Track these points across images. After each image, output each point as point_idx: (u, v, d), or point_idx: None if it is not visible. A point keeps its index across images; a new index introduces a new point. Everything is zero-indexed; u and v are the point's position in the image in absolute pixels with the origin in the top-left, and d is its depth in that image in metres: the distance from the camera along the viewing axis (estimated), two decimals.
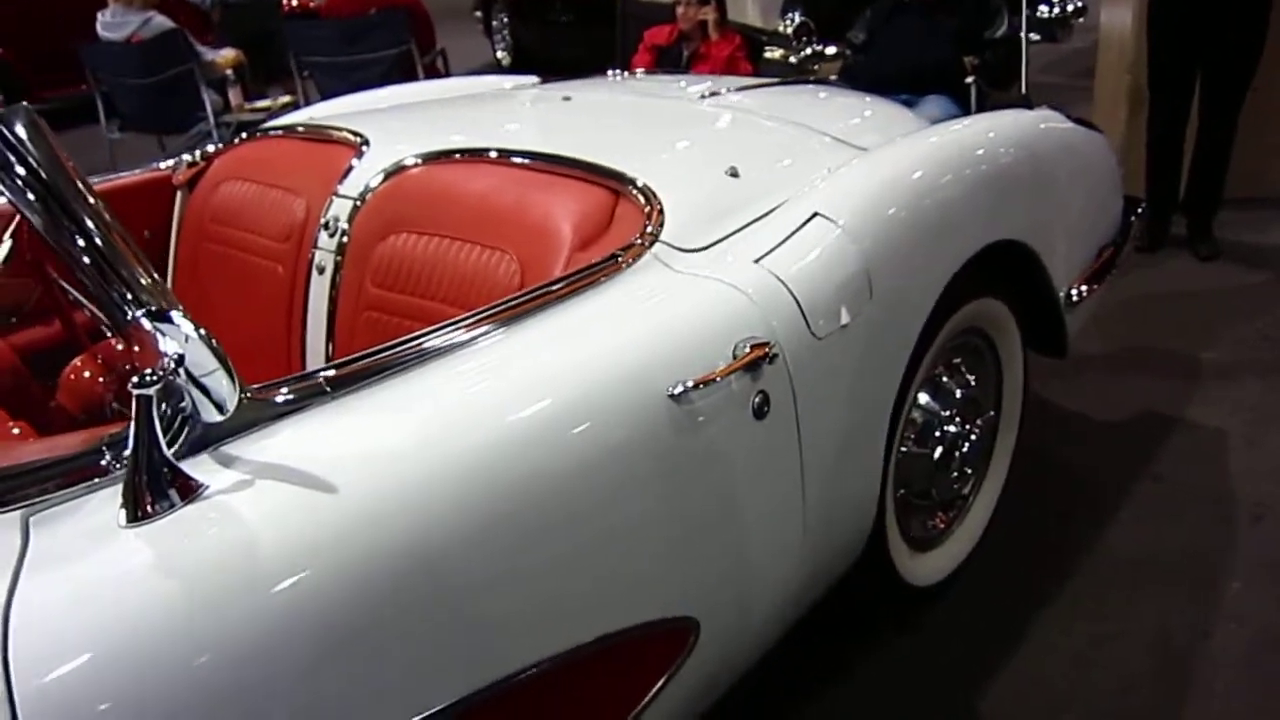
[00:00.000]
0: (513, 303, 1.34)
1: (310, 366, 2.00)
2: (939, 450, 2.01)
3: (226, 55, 5.48)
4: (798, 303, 1.49)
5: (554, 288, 1.40)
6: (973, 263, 1.85)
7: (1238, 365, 3.06)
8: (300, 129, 2.30)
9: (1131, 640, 2.04)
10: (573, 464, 1.23)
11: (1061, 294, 2.21)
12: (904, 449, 1.94)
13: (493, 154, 1.85)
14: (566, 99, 2.29)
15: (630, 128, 2.05)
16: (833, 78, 4.19)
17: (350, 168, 1.99)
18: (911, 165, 1.82)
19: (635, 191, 1.65)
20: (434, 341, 1.27)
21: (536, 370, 1.27)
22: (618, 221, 1.65)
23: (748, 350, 1.39)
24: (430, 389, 1.22)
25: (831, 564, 1.74)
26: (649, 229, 1.55)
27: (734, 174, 1.74)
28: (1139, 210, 2.62)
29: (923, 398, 1.99)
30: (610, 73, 3.52)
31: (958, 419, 2.03)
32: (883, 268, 1.63)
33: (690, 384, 1.31)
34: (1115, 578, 2.21)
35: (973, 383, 2.09)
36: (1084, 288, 2.26)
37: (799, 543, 1.57)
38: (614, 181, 1.70)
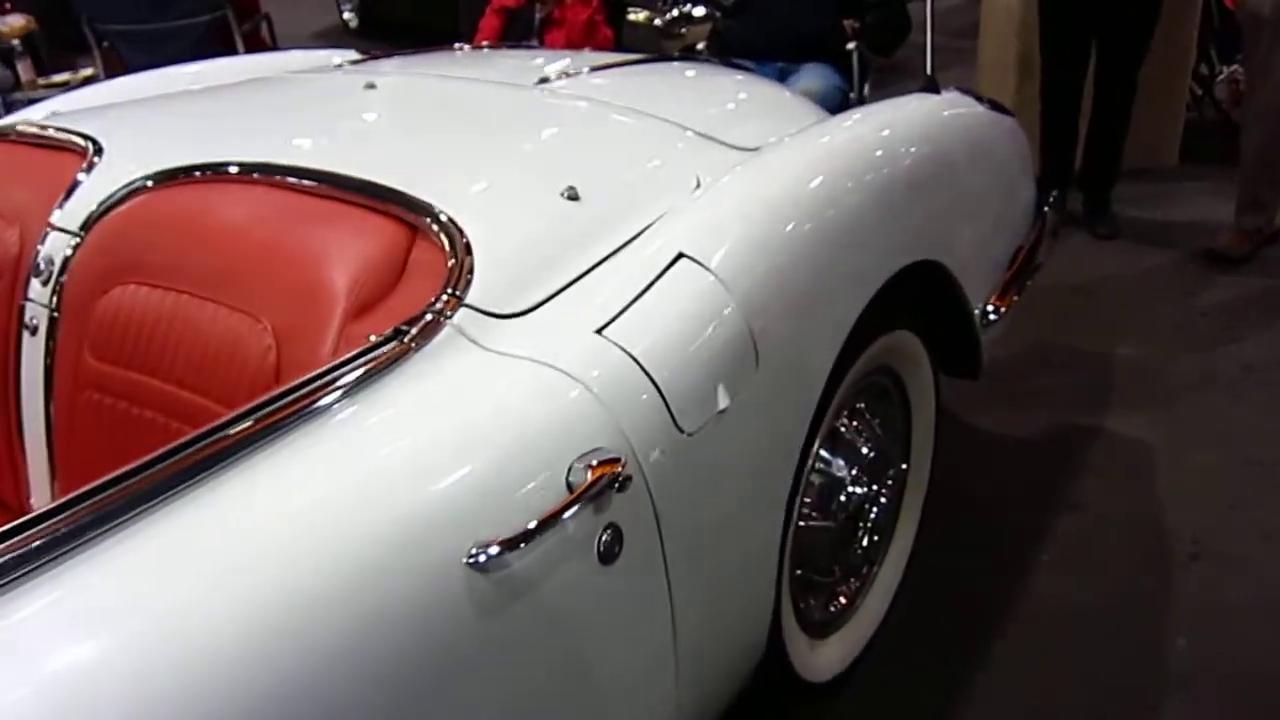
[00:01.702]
0: (220, 434, 0.89)
1: (30, 460, 1.51)
2: (842, 517, 1.64)
3: (13, 23, 4.76)
4: (659, 390, 1.08)
5: (296, 396, 0.96)
6: (883, 293, 1.48)
7: (1152, 361, 2.80)
8: (17, 131, 1.76)
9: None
10: (324, 678, 0.80)
11: (976, 311, 1.86)
12: (802, 522, 1.57)
13: (234, 170, 1.38)
14: (370, 87, 1.81)
15: (443, 129, 1.59)
16: (700, 45, 3.78)
17: (75, 187, 1.49)
18: (803, 177, 1.42)
19: (437, 229, 1.21)
20: (116, 495, 0.83)
21: (257, 546, 0.83)
22: (412, 273, 1.21)
23: (587, 476, 0.97)
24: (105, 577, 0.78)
25: (718, 695, 1.36)
26: (451, 287, 1.12)
27: (572, 196, 1.31)
28: (1052, 199, 2.29)
29: (825, 454, 1.61)
30: (456, 46, 3.05)
31: (864, 480, 1.66)
32: (773, 322, 1.23)
33: (497, 548, 0.89)
34: (1043, 636, 1.90)
35: (879, 431, 1.72)
36: (1000, 304, 1.91)
37: (671, 695, 1.18)
38: (409, 213, 1.25)
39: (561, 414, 1.01)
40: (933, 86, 1.82)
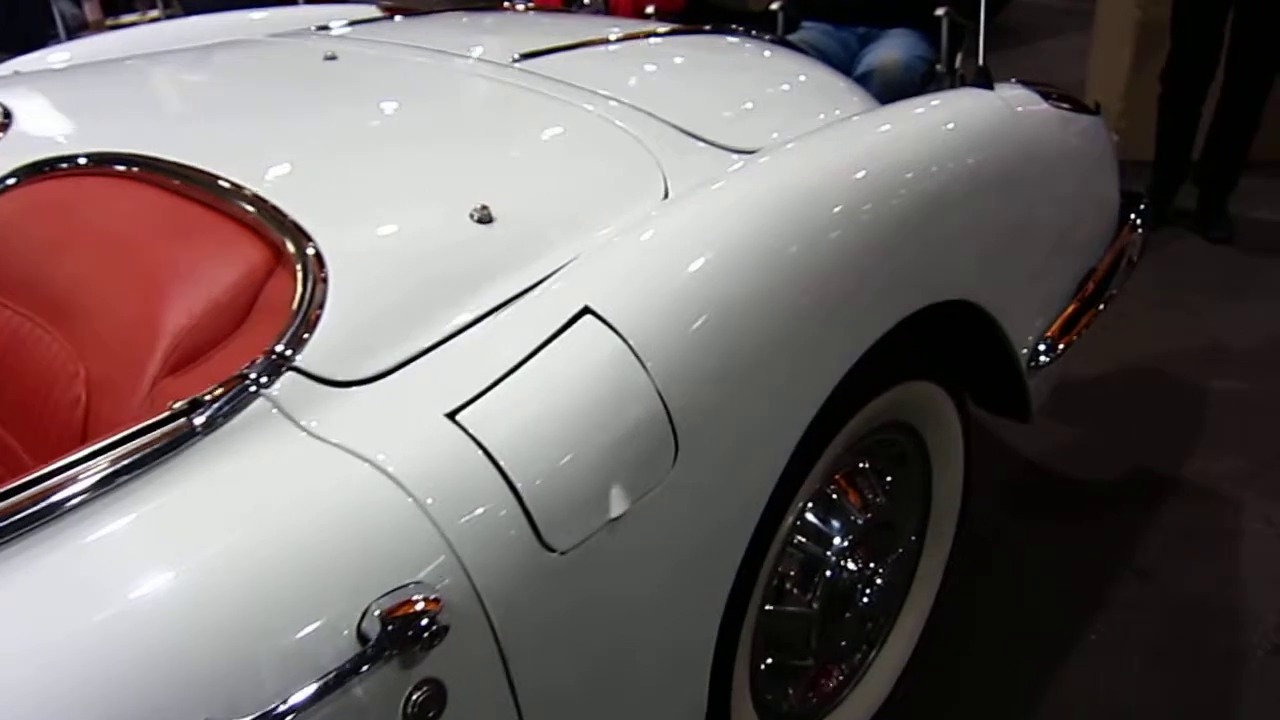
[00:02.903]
0: None
1: None
2: (825, 601, 1.37)
3: None
4: (518, 498, 0.83)
5: (37, 486, 0.75)
6: (889, 340, 1.20)
7: (1256, 399, 2.41)
8: None
9: None
10: None
11: (1025, 352, 1.55)
12: (770, 605, 1.31)
13: (120, 165, 1.17)
14: (330, 58, 1.58)
15: (372, 120, 1.34)
16: (774, 5, 3.44)
17: None
18: (789, 198, 1.13)
19: (297, 258, 0.98)
20: None
21: None
22: (259, 314, 0.98)
23: (383, 625, 0.73)
24: None
25: None
26: (282, 342, 0.89)
27: (483, 218, 1.06)
28: (1141, 207, 1.94)
29: (811, 518, 1.34)
30: (508, 5, 2.82)
31: (857, 557, 1.39)
32: (706, 396, 0.97)
33: None
34: None
35: (885, 499, 1.44)
36: (1057, 343, 1.59)
37: None
38: (275, 234, 1.02)
39: (369, 534, 0.77)
40: (984, 79, 1.49)
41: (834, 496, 1.37)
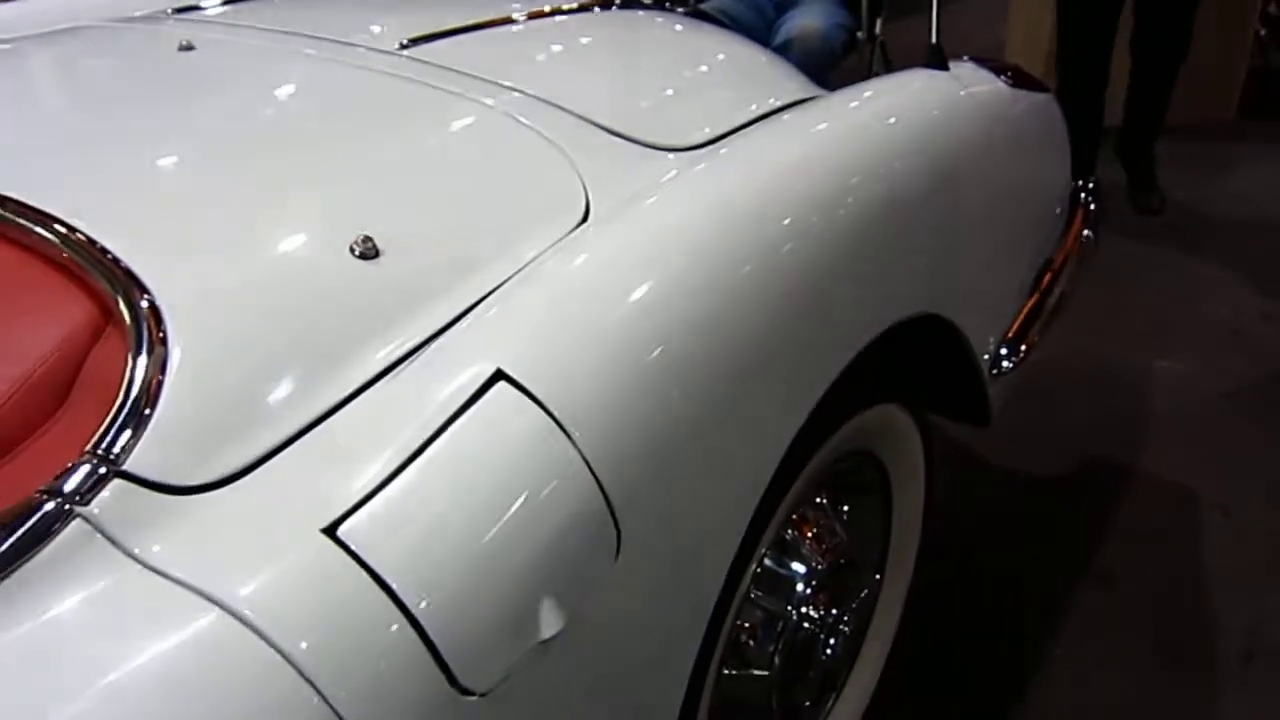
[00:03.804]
0: None
1: None
2: (785, 656, 1.22)
3: None
4: (422, 635, 0.64)
5: None
6: (854, 366, 1.04)
7: (1202, 380, 2.33)
8: None
9: None
10: None
11: (987, 357, 1.41)
12: (729, 670, 1.15)
13: None
14: (186, 49, 1.34)
15: (228, 129, 1.11)
16: None
17: None
18: (740, 214, 0.96)
19: (129, 319, 0.77)
20: None
21: None
22: (82, 393, 0.77)
23: None
24: None
25: None
26: (104, 440, 0.68)
27: (366, 252, 0.87)
28: (1089, 186, 1.81)
29: (769, 562, 1.19)
30: None
31: (819, 604, 1.23)
32: (653, 478, 0.79)
33: None
34: None
35: (843, 533, 1.29)
36: (1020, 346, 1.45)
37: None
38: (108, 288, 0.81)
39: (219, 705, 0.58)
40: (938, 59, 1.33)
41: (789, 541, 1.21)
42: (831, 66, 2.90)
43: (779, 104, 1.32)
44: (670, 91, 1.34)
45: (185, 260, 0.85)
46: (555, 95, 1.20)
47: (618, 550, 0.75)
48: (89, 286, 0.82)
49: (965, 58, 1.43)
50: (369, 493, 0.67)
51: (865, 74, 3.29)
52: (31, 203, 0.89)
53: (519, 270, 0.89)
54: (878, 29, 3.18)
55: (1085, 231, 1.75)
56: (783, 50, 2.92)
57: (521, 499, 0.71)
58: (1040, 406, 2.22)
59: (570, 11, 1.62)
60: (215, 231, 0.89)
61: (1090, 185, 1.81)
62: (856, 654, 1.40)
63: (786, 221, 0.98)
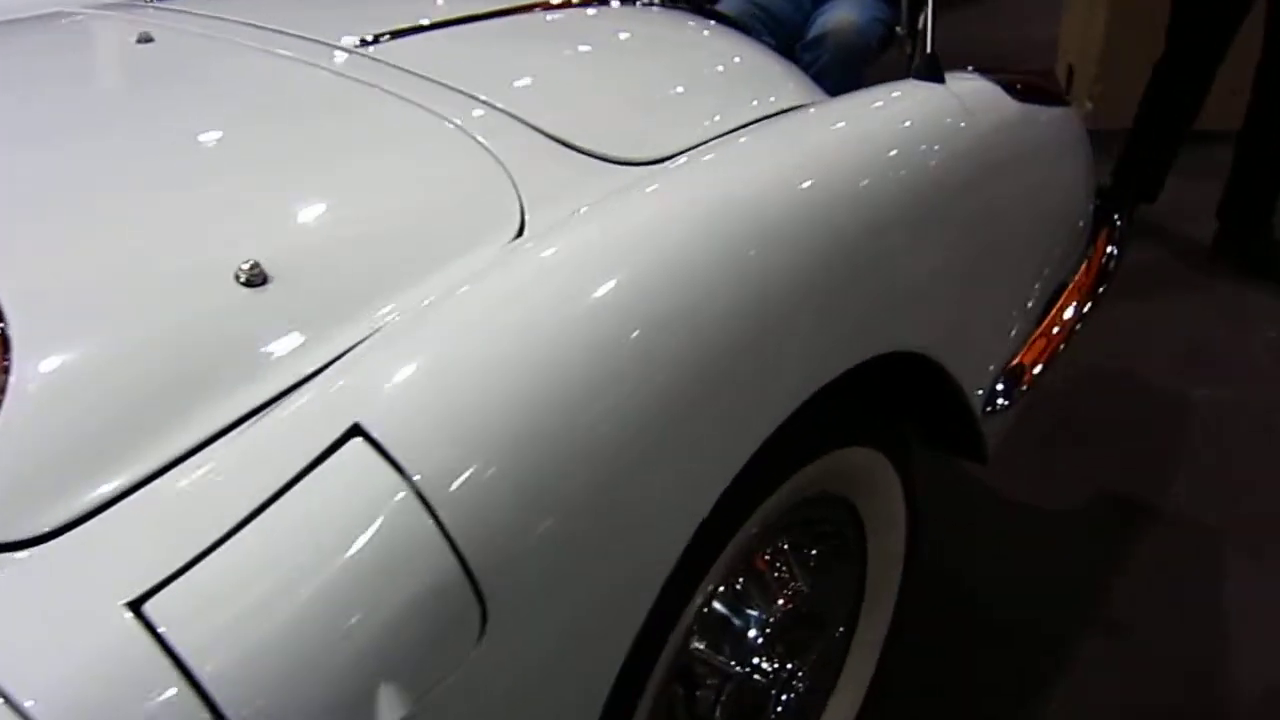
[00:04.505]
0: None
1: None
2: (730, 713, 1.13)
3: None
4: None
5: None
6: (815, 405, 0.95)
7: (1243, 411, 2.18)
8: None
9: None
10: None
11: (981, 393, 1.31)
12: None
13: None
14: (144, 40, 1.29)
15: (154, 135, 1.03)
16: None
17: None
18: (679, 236, 0.87)
19: None
20: None
21: None
22: None
23: None
24: None
25: None
26: None
27: (252, 279, 0.80)
28: (1118, 210, 1.69)
29: (716, 605, 1.10)
30: None
31: (772, 657, 1.15)
32: (537, 537, 0.71)
33: None
34: None
35: (806, 581, 1.19)
36: (1020, 381, 1.34)
37: None
38: None
39: None
40: (933, 70, 1.23)
41: (739, 586, 1.13)
42: (867, 63, 2.77)
43: (761, 114, 1.22)
44: (644, 98, 1.26)
45: (57, 284, 0.79)
46: (512, 103, 1.12)
47: (482, 630, 0.68)
48: None
49: (969, 68, 1.31)
50: (186, 562, 0.61)
51: (904, 71, 3.16)
52: None
53: (421, 304, 0.82)
54: (923, 23, 3.03)
55: (1110, 251, 1.63)
56: (815, 45, 2.80)
57: (362, 573, 0.63)
58: (1058, 437, 2.09)
59: (557, 7, 1.54)
60: (93, 248, 0.83)
61: (1121, 208, 1.69)
62: (820, 710, 1.31)
63: (725, 247, 0.89)
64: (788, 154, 1.03)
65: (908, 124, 1.12)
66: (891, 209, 1.05)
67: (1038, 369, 1.38)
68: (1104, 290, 1.55)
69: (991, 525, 1.91)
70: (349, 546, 0.63)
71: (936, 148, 1.12)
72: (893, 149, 1.09)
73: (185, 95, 1.13)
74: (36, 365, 0.70)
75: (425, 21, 1.35)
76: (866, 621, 1.34)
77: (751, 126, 1.15)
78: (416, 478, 0.66)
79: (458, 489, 0.67)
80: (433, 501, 0.66)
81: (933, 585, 1.57)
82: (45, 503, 0.64)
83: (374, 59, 1.21)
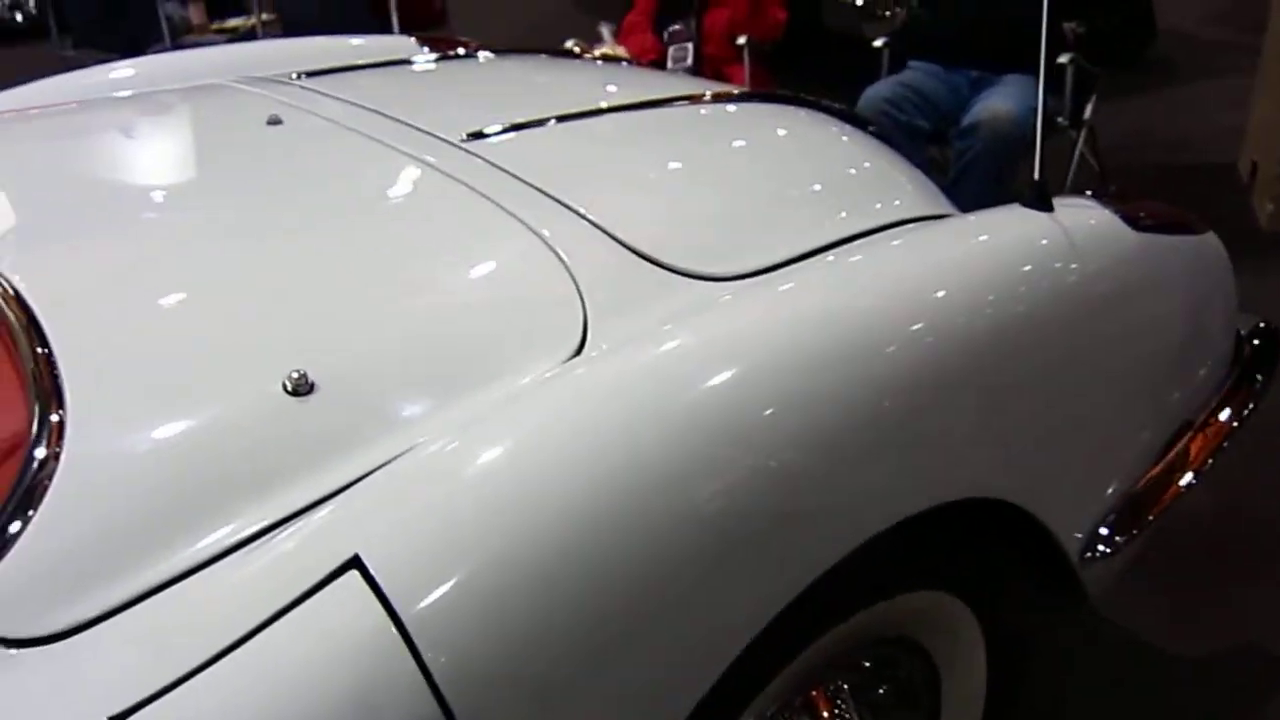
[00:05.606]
0: None
1: None
2: None
3: None
4: None
5: None
6: (873, 548, 0.90)
7: None
8: None
9: None
10: None
11: (1080, 537, 1.22)
12: None
13: None
14: (274, 123, 1.36)
15: (248, 242, 1.07)
16: (878, 43, 3.10)
17: None
18: (730, 370, 0.85)
19: (34, 435, 0.76)
20: None
21: None
22: None
23: None
24: None
25: None
26: None
27: (298, 388, 0.82)
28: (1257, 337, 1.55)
29: None
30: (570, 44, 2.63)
31: None
32: (536, 690, 0.70)
33: None
34: None
35: None
36: (1130, 527, 1.24)
37: None
38: (33, 399, 0.80)
39: None
40: (1041, 197, 1.16)
41: None
42: (1022, 154, 2.68)
43: (859, 228, 1.19)
44: (745, 208, 1.24)
45: (118, 377, 0.83)
46: (599, 211, 1.12)
47: None
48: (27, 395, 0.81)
49: (1088, 192, 1.24)
50: (168, 684, 0.62)
51: (1067, 163, 3.04)
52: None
53: (468, 422, 0.82)
54: (1087, 114, 2.92)
55: (1255, 381, 1.50)
56: (969, 133, 2.73)
57: (341, 712, 0.63)
58: (1208, 569, 1.93)
59: (677, 101, 1.54)
60: (155, 343, 0.87)
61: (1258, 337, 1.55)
62: None
63: (783, 384, 0.86)
64: (862, 285, 0.99)
65: (1002, 259, 1.06)
66: (967, 345, 0.99)
67: (1150, 514, 1.28)
68: (1238, 426, 1.43)
69: (1090, 672, 1.77)
70: (329, 683, 0.63)
71: (1029, 285, 1.06)
72: (980, 278, 1.03)
73: (284, 188, 1.18)
74: (90, 455, 0.74)
75: (533, 118, 1.37)
76: None
77: (839, 248, 1.12)
78: (408, 619, 0.65)
79: (446, 631, 0.66)
80: (420, 645, 0.65)
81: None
82: (61, 603, 0.67)
83: (474, 154, 1.23)
